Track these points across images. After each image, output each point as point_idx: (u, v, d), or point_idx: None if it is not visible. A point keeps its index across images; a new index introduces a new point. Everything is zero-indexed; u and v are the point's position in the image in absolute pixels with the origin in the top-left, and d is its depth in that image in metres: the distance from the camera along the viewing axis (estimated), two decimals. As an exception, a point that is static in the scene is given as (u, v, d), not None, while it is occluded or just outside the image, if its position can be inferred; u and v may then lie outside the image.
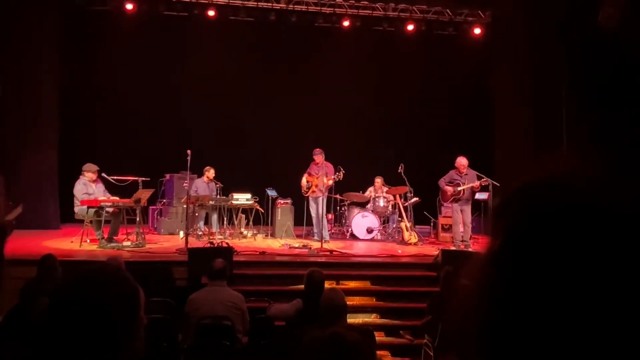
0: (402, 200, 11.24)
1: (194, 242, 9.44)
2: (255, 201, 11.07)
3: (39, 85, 11.47)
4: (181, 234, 10.41)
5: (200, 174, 11.19)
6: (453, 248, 9.40)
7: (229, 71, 13.28)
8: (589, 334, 0.45)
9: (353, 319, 7.00)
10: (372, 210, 11.44)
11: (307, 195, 10.77)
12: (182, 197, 10.87)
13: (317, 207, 10.58)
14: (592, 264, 0.46)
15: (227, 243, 8.88)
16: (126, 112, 12.87)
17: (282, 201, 11.25)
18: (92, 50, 12.73)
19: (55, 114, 11.87)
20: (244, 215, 11.27)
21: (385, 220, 11.62)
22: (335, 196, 11.89)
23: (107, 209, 9.14)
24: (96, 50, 12.73)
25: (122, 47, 12.75)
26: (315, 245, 9.61)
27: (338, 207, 12.19)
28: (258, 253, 8.73)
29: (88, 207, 9.05)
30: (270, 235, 11.11)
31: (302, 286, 5.24)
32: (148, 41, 12.91)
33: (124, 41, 12.72)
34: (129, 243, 9.10)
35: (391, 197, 11.49)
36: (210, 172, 11.07)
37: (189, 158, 9.11)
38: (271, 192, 11.19)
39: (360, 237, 11.18)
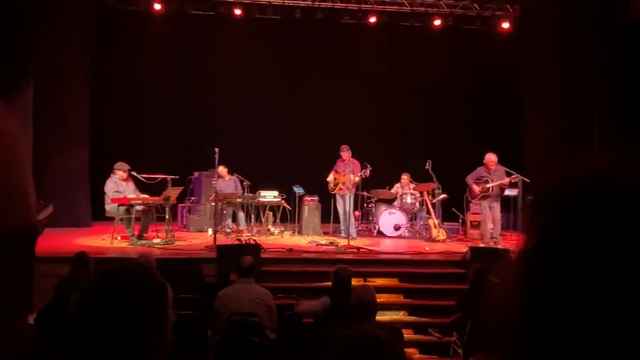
0: (430, 197, 11.14)
1: (222, 239, 9.52)
2: (282, 198, 11.12)
3: (70, 83, 11.68)
4: (209, 231, 10.53)
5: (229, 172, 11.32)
6: (482, 245, 9.28)
7: (255, 69, 13.31)
8: (631, 338, 0.44)
9: (381, 317, 6.96)
10: (399, 207, 11.38)
11: (334, 192, 10.77)
12: (210, 195, 10.97)
13: (344, 204, 10.56)
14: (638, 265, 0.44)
15: (254, 240, 8.93)
16: (155, 110, 13.06)
17: (309, 198, 11.27)
18: (122, 49, 12.93)
19: (86, 112, 12.10)
20: (271, 213, 11.34)
21: (412, 217, 11.54)
22: (362, 193, 11.86)
23: (138, 207, 9.30)
24: (126, 49, 12.93)
25: (151, 46, 12.94)
26: (343, 242, 9.61)
27: (365, 204, 12.14)
28: (285, 250, 8.76)
29: (119, 205, 9.21)
30: (298, 233, 11.14)
31: (330, 283, 5.22)
32: (176, 40, 13.09)
33: (153, 40, 12.92)
34: (158, 240, 9.24)
35: (418, 194, 11.40)
36: (222, 169, 11.04)
37: (216, 156, 9.21)
38: (298, 190, 11.22)
39: (388, 234, 11.13)
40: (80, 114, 12.02)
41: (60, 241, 9.36)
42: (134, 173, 9.81)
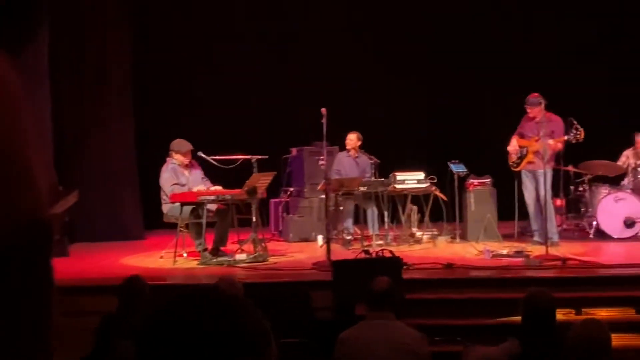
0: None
1: (340, 252, 9.56)
2: (432, 183, 11.03)
3: (106, 30, 12.55)
4: (319, 239, 10.65)
5: (342, 146, 11.43)
6: None
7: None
8: None
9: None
10: (631, 190, 10.97)
11: (517, 169, 10.55)
12: (318, 183, 11.11)
13: (536, 188, 10.32)
14: None
15: (391, 252, 8.90)
16: (219, 71, 13.76)
17: (476, 181, 11.16)
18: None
19: (128, 72, 12.86)
20: (416, 207, 11.30)
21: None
22: (565, 168, 11.46)
23: (210, 206, 9.60)
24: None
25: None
26: (537, 250, 9.47)
27: (572, 187, 11.79)
28: (441, 266, 8.74)
29: (181, 205, 9.56)
30: (460, 237, 11.07)
31: (518, 317, 5.15)
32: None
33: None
34: (243, 256, 9.46)
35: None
36: (352, 140, 11.22)
37: (324, 120, 9.24)
38: (457, 168, 11.07)
39: (614, 235, 10.79)
40: (122, 74, 12.74)
41: (101, 262, 9.87)
42: (201, 154, 10.14)
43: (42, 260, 1.09)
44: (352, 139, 11.32)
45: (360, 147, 11.37)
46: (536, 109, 10.21)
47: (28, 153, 1.04)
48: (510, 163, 10.62)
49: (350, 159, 11.31)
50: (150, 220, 12.13)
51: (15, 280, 1.04)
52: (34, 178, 1.05)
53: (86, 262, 9.93)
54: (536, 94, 10.25)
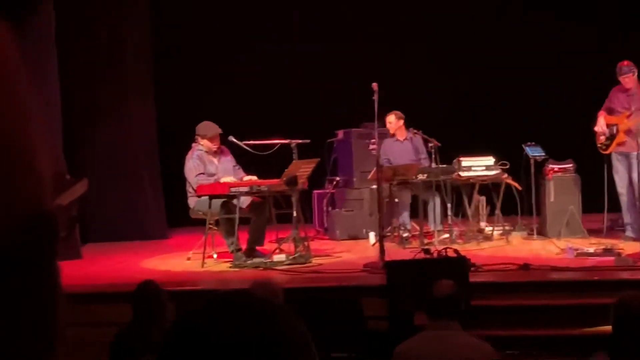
0: None
1: (396, 251, 9.55)
2: (504, 170, 10.93)
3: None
4: (371, 237, 10.66)
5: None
6: None
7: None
8: None
9: None
10: None
11: (606, 152, 10.50)
12: (368, 171, 11.07)
13: (629, 174, 10.24)
14: None
15: (456, 251, 8.85)
16: (252, 43, 13.89)
17: (556, 167, 11.04)
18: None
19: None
20: (484, 198, 11.27)
21: None
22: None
23: (243, 199, 9.60)
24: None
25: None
26: (630, 247, 9.48)
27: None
28: (516, 267, 8.68)
29: (210, 198, 9.57)
30: (538, 233, 10.96)
31: (608, 327, 5.04)
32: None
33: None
34: (283, 257, 9.49)
35: None
36: (392, 123, 11.23)
37: (375, 97, 9.23)
38: (534, 152, 10.99)
39: None
40: (140, 49, 12.86)
41: (118, 265, 9.98)
42: (232, 138, 10.14)
43: (46, 257, 1.12)
44: (391, 121, 11.34)
45: (407, 127, 11.31)
46: (629, 79, 10.07)
47: (29, 136, 1.06)
48: (598, 145, 10.53)
49: (400, 144, 11.33)
50: (174, 216, 12.24)
51: (16, 279, 1.07)
52: (36, 163, 1.07)
53: (101, 266, 10.05)
54: (627, 62, 10.10)
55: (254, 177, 9.84)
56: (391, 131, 11.37)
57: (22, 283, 1.07)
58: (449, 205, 10.79)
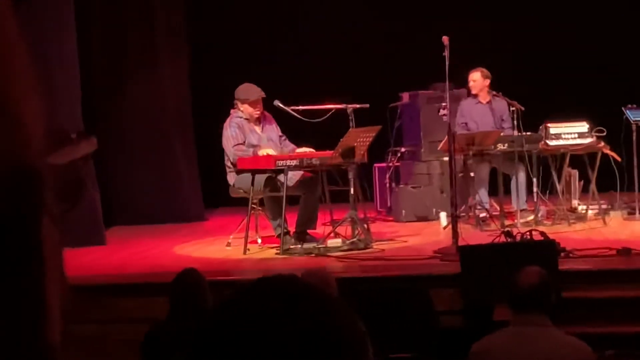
0: None
1: (472, 234, 9.57)
2: (600, 138, 10.87)
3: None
4: (443, 217, 10.66)
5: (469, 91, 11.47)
6: None
7: None
8: None
9: None
10: None
11: None
12: (439, 141, 11.02)
13: None
14: None
15: (543, 233, 8.85)
16: None
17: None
18: None
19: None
20: (577, 171, 11.24)
21: None
22: None
23: (291, 174, 9.61)
24: None
25: None
26: None
27: None
28: (614, 252, 8.64)
29: (253, 173, 9.60)
30: (641, 213, 10.89)
31: None
32: None
33: None
34: (338, 242, 9.53)
35: None
36: (477, 81, 11.19)
37: (446, 53, 9.22)
38: (636, 116, 10.88)
39: None
40: (173, 3, 13.00)
41: (148, 251, 10.07)
42: (278, 103, 10.15)
43: (28, 225, 1.07)
44: (477, 78, 11.29)
45: (491, 88, 11.25)
46: None
47: (14, 87, 1.05)
48: None
49: (481, 107, 11.29)
50: (212, 195, 12.29)
51: None
52: (20, 115, 1.06)
53: (128, 252, 10.16)
54: None
55: (306, 149, 9.86)
56: (473, 91, 11.34)
57: None
58: (534, 180, 10.76)
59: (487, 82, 11.27)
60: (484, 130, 10.88)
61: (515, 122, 10.78)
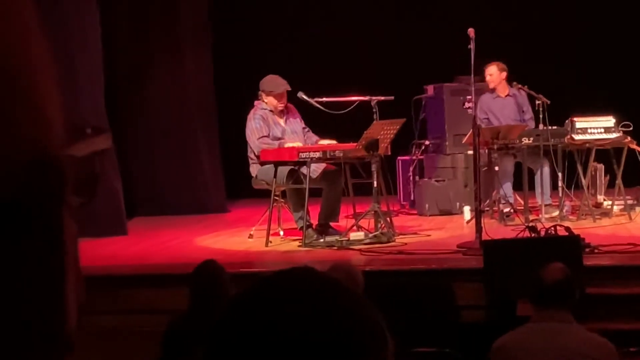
0: None
1: (496, 229, 9.55)
2: (626, 132, 10.85)
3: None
4: (466, 211, 10.69)
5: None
6: None
7: None
8: None
9: None
10: None
11: None
12: (464, 134, 11.05)
13: None
14: None
15: (568, 228, 8.80)
16: None
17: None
18: None
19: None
20: (602, 166, 11.21)
21: None
22: None
23: (314, 167, 9.65)
24: None
25: None
26: None
27: None
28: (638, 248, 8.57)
29: (276, 165, 9.62)
30: (668, 209, 10.85)
31: None
32: None
33: None
34: (361, 235, 9.52)
35: None
36: (493, 75, 11.15)
37: (471, 45, 9.20)
38: None
39: None
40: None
41: (170, 242, 10.11)
42: (302, 95, 10.16)
43: (52, 213, 1.08)
44: (492, 73, 11.24)
45: (510, 81, 11.23)
46: None
47: (36, 76, 1.06)
48: None
49: (501, 100, 11.25)
50: (234, 187, 12.31)
51: (11, 239, 1.04)
52: (43, 106, 1.07)
53: (150, 243, 10.19)
54: None
55: (329, 141, 9.87)
56: (491, 85, 11.30)
57: (19, 241, 1.05)
58: (559, 174, 10.73)
59: (504, 74, 11.22)
60: (508, 123, 10.84)
61: (540, 115, 10.77)
